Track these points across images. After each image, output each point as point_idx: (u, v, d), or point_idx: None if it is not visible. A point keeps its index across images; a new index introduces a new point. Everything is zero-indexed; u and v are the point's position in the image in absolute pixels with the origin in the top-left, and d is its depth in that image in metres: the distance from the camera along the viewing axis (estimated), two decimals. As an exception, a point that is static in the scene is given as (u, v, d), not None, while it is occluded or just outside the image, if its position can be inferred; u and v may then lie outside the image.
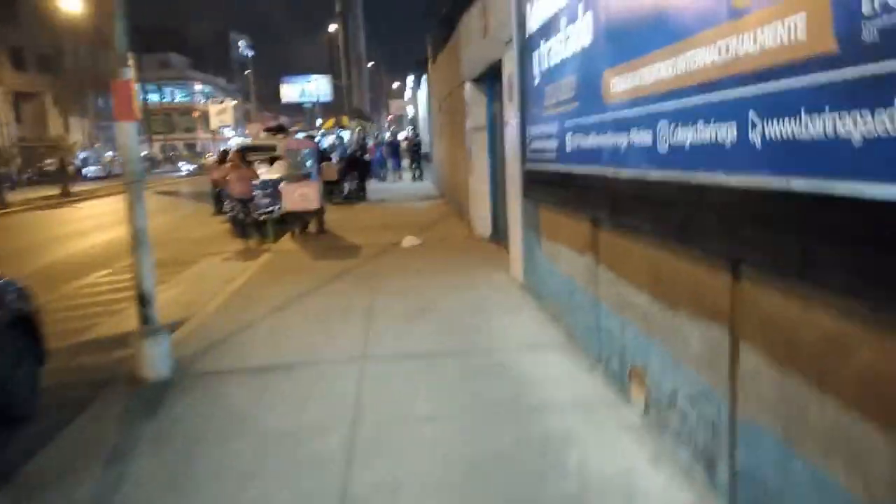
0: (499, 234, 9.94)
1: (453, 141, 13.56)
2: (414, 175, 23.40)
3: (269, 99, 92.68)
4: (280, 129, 19.03)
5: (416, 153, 23.58)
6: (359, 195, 18.33)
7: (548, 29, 5.19)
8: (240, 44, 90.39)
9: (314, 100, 50.38)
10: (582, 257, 4.74)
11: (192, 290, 8.27)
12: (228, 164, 11.88)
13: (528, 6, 5.79)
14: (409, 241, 10.12)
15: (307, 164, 11.94)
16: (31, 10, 46.08)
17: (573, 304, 5.04)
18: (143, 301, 4.88)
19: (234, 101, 67.90)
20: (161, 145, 67.50)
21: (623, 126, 3.61)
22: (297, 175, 11.90)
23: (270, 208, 12.77)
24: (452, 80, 12.65)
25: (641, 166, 3.38)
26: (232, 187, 11.60)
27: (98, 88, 51.09)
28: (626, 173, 3.60)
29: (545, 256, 5.89)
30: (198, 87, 77.09)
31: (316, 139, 21.81)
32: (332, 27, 30.67)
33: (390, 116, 70.35)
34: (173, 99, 76.32)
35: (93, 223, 17.78)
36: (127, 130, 4.93)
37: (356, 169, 18.52)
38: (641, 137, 3.36)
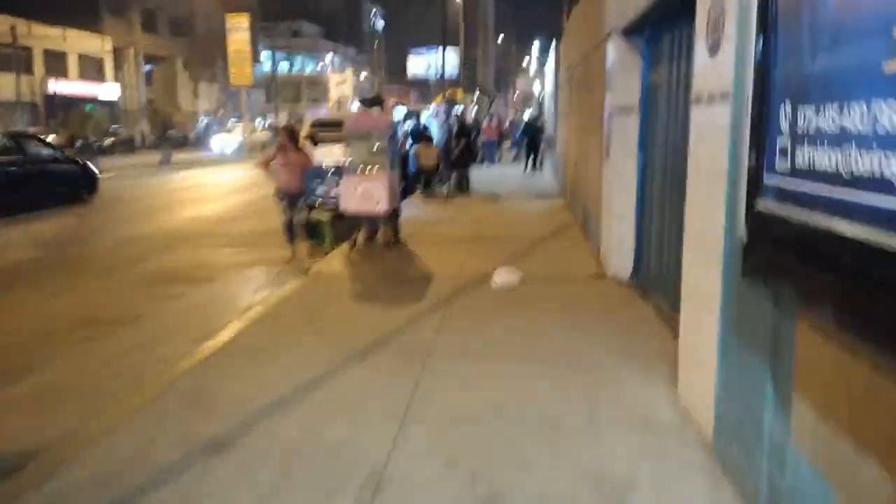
0: (645, 278, 6.29)
1: (583, 125, 9.90)
2: (532, 165, 19.56)
3: (397, 71, 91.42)
4: (376, 102, 16.05)
5: (535, 138, 19.62)
6: (461, 186, 15.04)
7: None
8: (371, 13, 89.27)
9: (439, 74, 47.79)
10: None
11: (132, 357, 5.33)
12: (273, 148, 8.91)
13: None
14: (503, 276, 6.69)
15: (379, 149, 8.77)
16: (165, -28, 46.35)
17: None
18: None
19: (363, 72, 66.61)
20: (288, 115, 67.60)
21: None
22: (363, 164, 8.76)
23: (325, 203, 9.79)
24: (589, 38, 8.96)
25: None
26: (277, 177, 8.67)
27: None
28: None
29: (803, 452, 2.29)
30: (328, 56, 76.70)
31: (423, 114, 18.72)
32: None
33: (516, 94, 66.39)
34: (303, 68, 76.42)
35: (153, 201, 15.72)
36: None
37: (462, 154, 15.20)
38: None
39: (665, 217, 5.62)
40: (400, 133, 15.66)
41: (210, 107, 54.57)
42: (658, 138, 5.88)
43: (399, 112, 17.88)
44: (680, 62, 5.16)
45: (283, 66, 70.40)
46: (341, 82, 47.34)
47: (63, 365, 4.98)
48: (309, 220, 8.93)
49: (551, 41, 20.22)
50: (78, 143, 25.10)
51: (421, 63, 48.42)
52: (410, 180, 15.29)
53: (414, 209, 12.50)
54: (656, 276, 5.91)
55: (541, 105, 27.46)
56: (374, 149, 8.66)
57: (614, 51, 6.72)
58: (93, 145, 26.53)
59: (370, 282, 7.00)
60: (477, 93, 30.90)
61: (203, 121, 45.50)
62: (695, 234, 3.59)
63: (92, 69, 42.37)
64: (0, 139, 14.07)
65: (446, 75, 48.33)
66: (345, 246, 8.76)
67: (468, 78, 31.27)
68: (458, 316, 5.59)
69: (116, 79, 44.31)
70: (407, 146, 15.37)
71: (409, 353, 4.68)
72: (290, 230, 8.82)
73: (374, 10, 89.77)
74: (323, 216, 9.07)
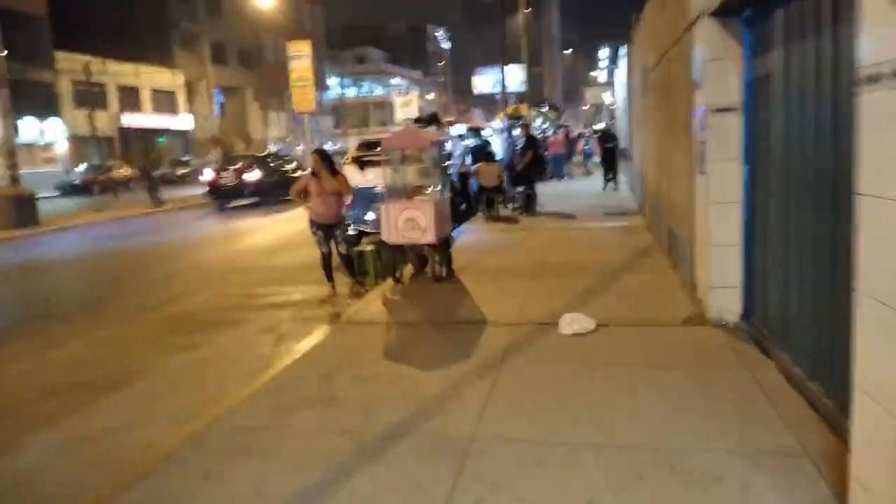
0: (763, 324, 4.81)
1: (663, 134, 8.45)
2: (606, 181, 17.65)
3: (465, 90, 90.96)
4: (433, 121, 15.02)
5: (611, 152, 17.74)
6: (528, 205, 13.70)
7: None
8: (437, 34, 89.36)
9: (506, 89, 46.75)
10: None
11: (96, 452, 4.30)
12: (306, 175, 7.88)
13: None
14: (572, 323, 5.34)
15: (424, 170, 7.61)
16: (233, 4, 47.37)
17: None
18: None
19: (430, 94, 66.34)
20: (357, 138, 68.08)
21: None
22: (406, 188, 7.62)
23: (365, 232, 8.74)
24: (668, 30, 7.55)
25: None
26: (312, 208, 7.65)
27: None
28: None
29: None
30: (394, 80, 77.07)
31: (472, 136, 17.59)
32: (523, 12, 26.03)
33: (587, 107, 64.37)
34: (371, 92, 77.00)
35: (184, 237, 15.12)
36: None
37: (528, 169, 13.88)
38: None
39: (790, 245, 4.19)
40: (458, 151, 14.58)
41: (280, 134, 55.36)
42: (774, 144, 4.46)
43: (456, 129, 16.76)
44: (805, 42, 3.76)
45: (351, 92, 71.36)
46: (406, 104, 46.77)
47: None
48: (350, 252, 7.85)
49: (621, 47, 18.68)
50: (156, 173, 25.28)
51: (487, 81, 47.55)
52: (473, 201, 14.12)
53: (474, 234, 11.29)
54: (780, 322, 4.45)
55: (612, 116, 25.82)
56: (418, 170, 7.52)
57: (704, 39, 5.32)
58: (159, 177, 26.70)
59: (408, 331, 5.79)
60: (545, 107, 29.43)
61: (271, 148, 45.94)
62: (881, 279, 2.21)
63: (165, 102, 43.58)
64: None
65: (512, 91, 47.27)
66: (389, 282, 7.63)
67: (534, 93, 29.97)
68: (510, 387, 4.28)
69: (189, 110, 45.43)
70: (468, 165, 14.23)
71: (441, 449, 3.43)
72: (328, 266, 7.77)
73: (440, 31, 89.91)
74: (367, 247, 7.98)
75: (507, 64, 26.78)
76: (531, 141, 14.22)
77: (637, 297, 6.35)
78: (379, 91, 75.95)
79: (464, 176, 13.90)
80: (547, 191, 17.10)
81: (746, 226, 5.12)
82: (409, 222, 7.24)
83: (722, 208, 5.20)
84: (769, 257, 4.67)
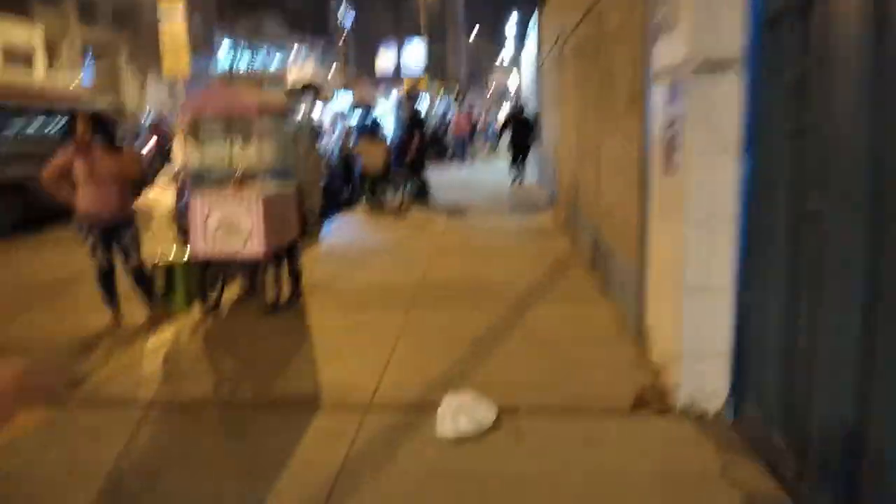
0: (768, 420, 2.79)
1: (590, 113, 6.44)
2: (514, 173, 14.04)
3: (368, 66, 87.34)
4: (307, 89, 12.51)
5: (524, 138, 13.73)
6: (419, 196, 11.47)
7: None
8: (339, 8, 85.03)
9: (403, 68, 44.28)
10: None
11: None
12: (67, 150, 5.20)
13: None
14: (458, 415, 3.15)
15: (252, 148, 5.18)
16: (104, -45, 42.05)
17: None
18: None
19: (332, 69, 62.44)
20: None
21: None
22: (231, 176, 5.21)
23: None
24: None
25: None
26: (79, 198, 5.09)
27: (177, 47, 46.82)
28: None
29: None
30: (293, 52, 72.48)
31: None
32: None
33: (491, 90, 62.81)
34: (266, 64, 72.10)
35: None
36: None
37: (418, 153, 11.59)
38: None
39: (836, 292, 2.20)
40: (338, 127, 12.17)
41: (160, 104, 50.25)
42: (816, 126, 2.44)
43: (341, 101, 14.30)
44: None
45: (246, 62, 66.05)
46: (302, 77, 43.35)
47: None
48: (145, 267, 5.34)
49: (529, 18, 16.66)
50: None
51: (391, 57, 44.95)
52: (357, 187, 11.78)
53: (348, 230, 8.98)
54: (799, 421, 2.49)
55: (518, 100, 23.99)
56: (245, 148, 5.13)
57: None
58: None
59: (178, 427, 3.39)
60: (454, 90, 27.10)
61: (148, 118, 41.30)
62: None
63: (19, 62, 37.99)
64: None
65: (415, 68, 44.80)
66: (196, 311, 5.19)
67: (436, 69, 27.86)
68: None
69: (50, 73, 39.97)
70: (352, 145, 11.86)
71: None
72: (109, 284, 5.24)
73: (342, 4, 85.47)
74: (175, 259, 5.48)
75: (414, 36, 24.38)
76: (416, 119, 11.86)
77: (557, 347, 4.27)
78: (276, 63, 71.06)
79: (348, 158, 11.53)
80: (445, 177, 15.00)
81: (744, 258, 3.12)
82: (225, 226, 4.84)
83: (705, 230, 3.17)
84: (786, 311, 2.68)
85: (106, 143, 5.03)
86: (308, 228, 8.84)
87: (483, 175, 16.21)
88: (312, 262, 7.00)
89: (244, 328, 4.84)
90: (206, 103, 4.80)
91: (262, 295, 5.10)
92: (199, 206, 4.86)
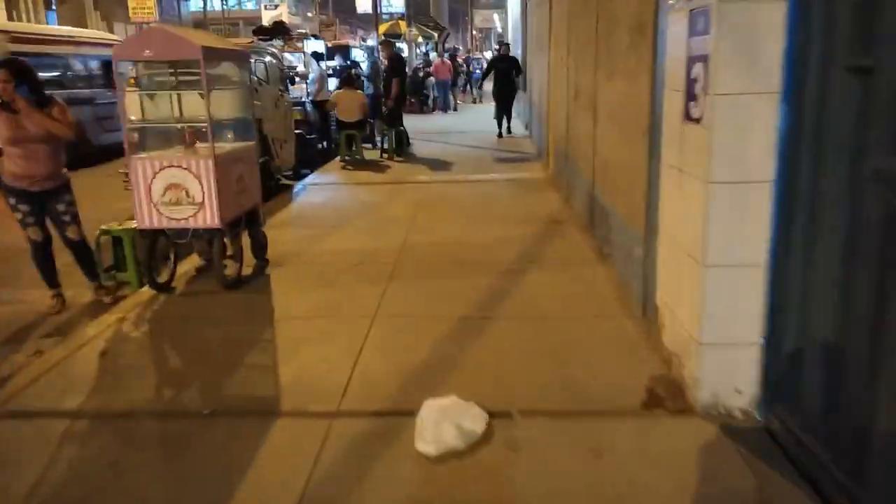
0: (802, 421, 2.29)
1: (587, 50, 5.77)
2: (500, 125, 12.71)
3: (349, 9, 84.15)
4: (277, 32, 11.59)
5: (508, 83, 12.47)
6: (399, 146, 10.79)
7: None
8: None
9: (390, 9, 42.45)
10: None
11: None
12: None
13: None
14: (441, 425, 2.63)
15: (201, 100, 4.49)
16: None
17: None
18: None
19: (309, 11, 59.86)
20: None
21: None
22: (180, 132, 4.55)
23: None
24: None
25: None
26: (5, 161, 4.44)
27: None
28: None
29: None
30: (267, -6, 69.43)
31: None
32: None
33: (474, 33, 60.76)
34: (240, 4, 69.14)
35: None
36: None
37: (397, 102, 10.82)
38: None
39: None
40: (313, 74, 11.36)
41: (130, 51, 48.07)
42: (881, 57, 1.87)
43: (313, 46, 13.39)
44: None
45: (218, 4, 63.11)
46: (275, 18, 41.50)
47: None
48: (86, 238, 4.73)
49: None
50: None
51: (369, -1, 43.13)
52: (333, 139, 11.09)
53: (322, 188, 8.35)
54: (847, 430, 2.01)
55: (501, 42, 22.96)
56: (194, 99, 4.47)
57: None
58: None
59: (110, 442, 2.86)
60: (430, 25, 25.88)
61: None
62: None
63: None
64: None
65: (395, 12, 43.03)
66: (142, 293, 4.61)
67: (416, 14, 26.60)
68: None
69: (9, 19, 37.96)
70: (328, 93, 11.08)
71: None
72: (46, 261, 4.66)
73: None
74: (123, 229, 4.85)
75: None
76: (397, 64, 11.03)
77: (554, 327, 3.75)
78: (251, 6, 68.12)
79: (322, 106, 10.77)
80: (427, 125, 14.26)
81: (782, 228, 2.57)
82: (173, 192, 4.22)
83: (734, 191, 2.61)
84: (835, 296, 2.16)
85: (32, 97, 4.35)
86: (276, 186, 8.20)
87: (467, 124, 15.46)
88: (280, 226, 6.41)
89: (198, 311, 4.26)
90: (141, 47, 4.10)
91: (219, 270, 4.51)
92: (142, 168, 4.22)
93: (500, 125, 12.70)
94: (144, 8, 24.14)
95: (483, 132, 13.32)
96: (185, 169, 4.19)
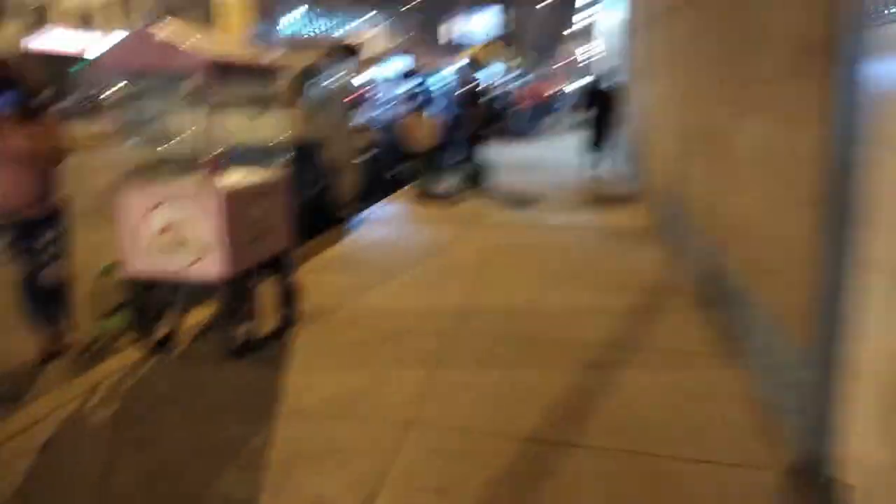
0: None
1: (705, 81, 4.54)
2: (593, 161, 10.97)
3: (433, 33, 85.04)
4: (346, 50, 10.85)
5: (604, 116, 10.81)
6: (473, 180, 9.71)
7: None
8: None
9: (482, 34, 42.23)
10: None
11: None
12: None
13: None
14: None
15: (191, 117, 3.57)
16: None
17: None
18: None
19: (401, 37, 60.70)
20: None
21: None
22: (172, 160, 3.66)
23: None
24: None
25: None
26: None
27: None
28: None
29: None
30: (362, 19, 71.12)
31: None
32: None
33: (559, 65, 59.54)
34: (344, 30, 70.93)
35: None
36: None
37: (474, 131, 9.76)
38: None
39: None
40: (381, 97, 10.56)
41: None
42: None
43: (396, 65, 12.63)
44: None
45: (318, 28, 64.81)
46: (370, 41, 41.83)
47: None
48: (63, 282, 3.88)
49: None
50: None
51: (460, 26, 43.03)
52: (402, 167, 10.16)
53: (378, 225, 7.38)
54: None
55: (597, 72, 21.67)
56: (207, 119, 3.55)
57: None
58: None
59: None
60: (524, 59, 24.83)
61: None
62: None
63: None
64: None
65: (487, 36, 42.62)
66: (142, 345, 3.69)
67: (505, 37, 25.86)
68: None
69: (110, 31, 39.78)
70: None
71: None
72: (35, 297, 3.83)
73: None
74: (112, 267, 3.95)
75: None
76: (474, 90, 9.92)
77: (660, 475, 2.53)
78: (349, 30, 69.67)
79: (395, 131, 9.90)
80: (509, 157, 13.17)
81: None
82: (169, 233, 3.29)
83: None
84: None
85: (18, 110, 3.55)
86: (334, 218, 7.30)
87: (553, 155, 14.26)
88: (323, 269, 5.45)
89: (180, 391, 3.26)
90: (125, 56, 3.22)
91: (223, 332, 3.54)
92: (134, 201, 3.32)
93: (592, 160, 11.31)
94: (230, 29, 24.21)
95: (570, 165, 12.04)
96: (186, 205, 3.26)
